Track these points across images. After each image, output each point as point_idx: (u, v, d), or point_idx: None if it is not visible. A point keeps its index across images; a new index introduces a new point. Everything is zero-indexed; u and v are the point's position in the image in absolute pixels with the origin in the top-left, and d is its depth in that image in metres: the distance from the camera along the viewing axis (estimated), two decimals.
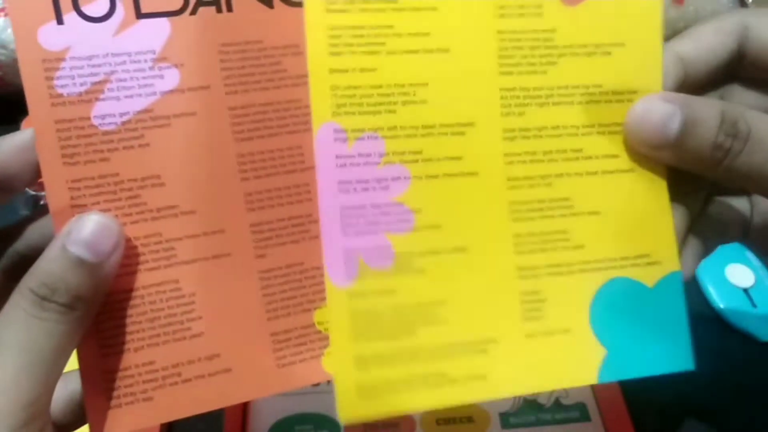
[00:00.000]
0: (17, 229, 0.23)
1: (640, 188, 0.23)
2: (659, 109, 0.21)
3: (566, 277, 0.22)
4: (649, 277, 0.23)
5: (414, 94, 0.21)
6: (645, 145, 0.22)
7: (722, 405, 0.33)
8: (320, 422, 0.34)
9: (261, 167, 0.22)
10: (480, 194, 0.22)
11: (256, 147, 0.22)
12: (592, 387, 0.34)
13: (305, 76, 0.21)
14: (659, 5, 0.23)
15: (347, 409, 0.21)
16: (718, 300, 0.40)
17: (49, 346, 0.19)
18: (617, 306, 0.23)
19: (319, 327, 0.22)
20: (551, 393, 0.34)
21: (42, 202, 0.41)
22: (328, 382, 0.22)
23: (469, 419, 0.34)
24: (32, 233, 0.23)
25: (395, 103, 0.21)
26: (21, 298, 0.20)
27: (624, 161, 0.23)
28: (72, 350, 0.20)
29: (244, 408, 0.34)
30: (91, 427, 0.21)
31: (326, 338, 0.22)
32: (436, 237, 0.22)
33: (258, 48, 0.22)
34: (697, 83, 0.23)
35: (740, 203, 0.26)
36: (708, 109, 0.21)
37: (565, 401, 0.34)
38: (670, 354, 0.23)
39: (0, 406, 0.19)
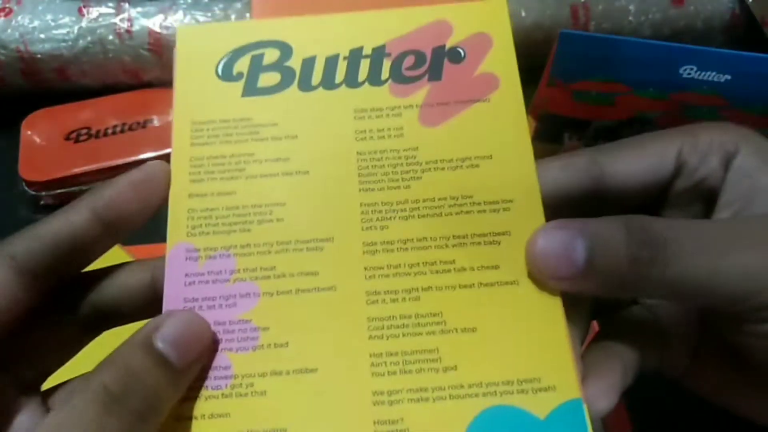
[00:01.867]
0: (96, 274, 0.22)
1: (526, 302, 0.20)
2: (557, 238, 0.20)
3: (434, 404, 0.19)
4: (540, 406, 0.19)
5: (270, 213, 0.22)
6: (554, 278, 0.20)
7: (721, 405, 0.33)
8: None
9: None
10: (335, 310, 0.21)
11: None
12: None
13: None
14: (523, 118, 0.22)
15: None
16: None
17: None
18: None
19: None
20: None
21: (42, 202, 0.41)
22: None
23: None
24: (115, 285, 0.22)
25: (251, 222, 0.22)
26: (90, 392, 0.17)
27: (506, 273, 0.21)
28: None
29: None
30: None
31: None
32: (281, 356, 0.20)
33: None
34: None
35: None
36: (608, 223, 0.19)
37: None
38: None
39: None
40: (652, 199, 0.23)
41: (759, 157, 0.22)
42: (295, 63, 0.24)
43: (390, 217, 0.22)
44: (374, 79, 0.23)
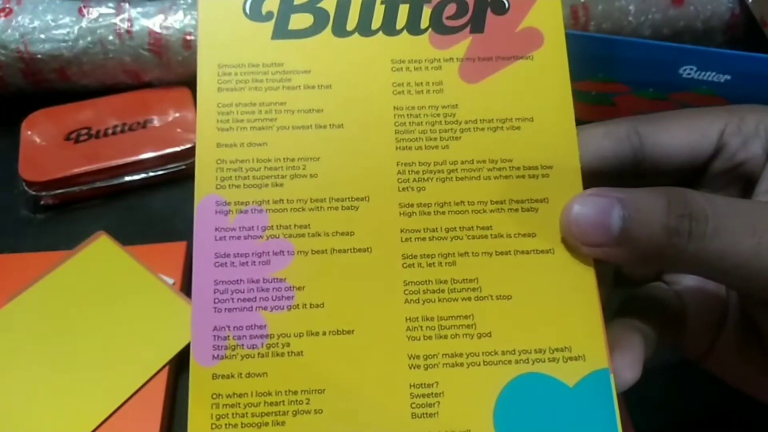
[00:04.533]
0: None
1: (561, 272, 0.21)
2: (594, 204, 0.19)
3: (468, 370, 0.20)
4: (570, 374, 0.20)
5: (304, 168, 0.21)
6: (588, 245, 0.20)
7: (723, 406, 0.33)
8: None
9: None
10: (371, 272, 0.20)
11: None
12: None
13: None
14: (567, 79, 0.22)
15: None
16: None
17: None
18: (528, 406, 0.20)
19: None
20: None
21: (42, 203, 0.41)
22: None
23: None
24: None
25: (283, 177, 0.21)
26: None
27: (542, 241, 0.21)
28: None
29: None
30: None
31: None
32: (317, 317, 0.20)
33: None
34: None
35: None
36: (649, 193, 0.19)
37: None
38: None
39: None
40: (689, 177, 0.23)
41: None
42: (328, 4, 0.23)
43: (427, 179, 0.21)
44: (413, 27, 0.22)
